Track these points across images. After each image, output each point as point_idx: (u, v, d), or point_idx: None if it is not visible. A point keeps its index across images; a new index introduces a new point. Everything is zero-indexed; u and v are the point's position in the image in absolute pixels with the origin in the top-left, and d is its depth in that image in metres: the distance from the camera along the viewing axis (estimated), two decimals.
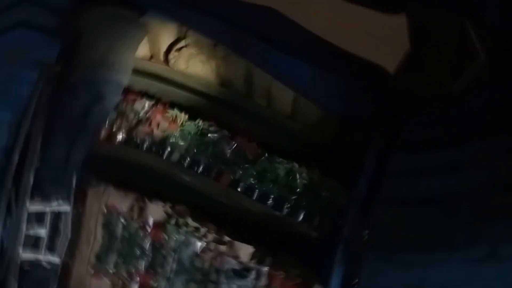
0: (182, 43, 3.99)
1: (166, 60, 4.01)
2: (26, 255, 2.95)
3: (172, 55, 3.97)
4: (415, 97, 3.37)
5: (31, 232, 3.11)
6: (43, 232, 3.19)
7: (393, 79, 3.24)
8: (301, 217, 3.66)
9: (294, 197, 3.66)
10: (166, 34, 3.97)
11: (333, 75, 3.37)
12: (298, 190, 3.65)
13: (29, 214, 2.98)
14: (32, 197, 3.00)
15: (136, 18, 3.52)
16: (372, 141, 3.64)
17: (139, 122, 3.76)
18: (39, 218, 3.20)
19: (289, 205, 3.67)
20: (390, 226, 3.31)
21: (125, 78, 3.43)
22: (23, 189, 2.98)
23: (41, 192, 3.08)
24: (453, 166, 3.16)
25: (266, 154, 3.76)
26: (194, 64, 3.96)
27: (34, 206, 3.02)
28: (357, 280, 3.36)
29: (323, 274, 3.48)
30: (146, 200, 3.65)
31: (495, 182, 2.94)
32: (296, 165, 3.73)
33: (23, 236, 2.87)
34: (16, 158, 3.09)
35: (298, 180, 3.67)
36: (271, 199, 3.69)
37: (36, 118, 3.15)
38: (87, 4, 3.39)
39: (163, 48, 4.01)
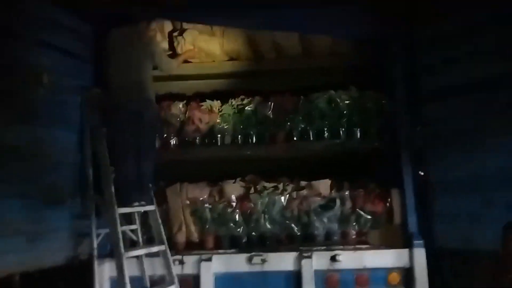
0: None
1: (172, 49, 4.11)
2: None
3: (176, 40, 4.08)
4: None
5: (125, 228, 3.50)
6: (134, 227, 3.60)
7: None
8: (358, 135, 3.90)
9: (344, 119, 3.87)
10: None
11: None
12: (345, 112, 3.85)
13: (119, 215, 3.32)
14: (120, 201, 3.33)
15: (148, 33, 3.73)
16: (393, 46, 3.80)
17: (183, 123, 3.96)
18: (128, 218, 3.60)
19: (343, 129, 3.89)
20: (442, 118, 3.51)
21: (152, 93, 3.62)
22: (108, 197, 3.31)
23: (126, 199, 3.40)
24: (480, 53, 3.28)
25: (302, 97, 3.95)
26: (200, 43, 4.10)
27: (122, 209, 3.35)
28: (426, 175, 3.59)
29: (396, 178, 3.72)
30: (220, 183, 3.93)
31: None
32: (332, 92, 3.91)
33: (120, 233, 3.20)
34: (89, 171, 3.52)
35: (341, 104, 3.86)
36: (325, 132, 3.92)
37: (97, 139, 3.51)
38: (106, 28, 3.61)
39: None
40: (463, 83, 3.40)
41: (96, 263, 3.40)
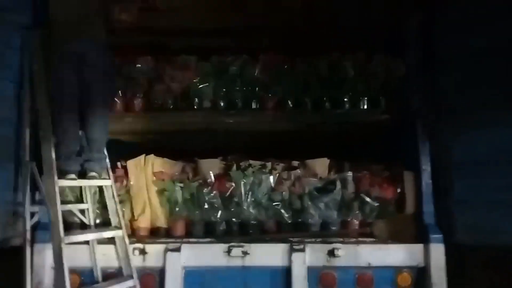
0: None
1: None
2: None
3: None
4: None
5: (72, 207, 2.99)
6: (84, 206, 3.06)
7: None
8: (365, 104, 3.35)
9: (349, 86, 3.32)
10: None
11: None
12: (351, 76, 3.31)
13: (63, 189, 2.83)
14: (61, 172, 2.80)
15: None
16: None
17: (151, 81, 3.36)
18: (78, 194, 3.09)
19: (346, 98, 3.33)
20: (461, 87, 3.04)
21: (101, 33, 3.05)
22: (47, 163, 2.75)
23: (69, 167, 2.87)
24: (500, 14, 2.85)
25: (297, 58, 3.37)
26: None
27: (65, 181, 2.81)
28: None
29: (408, 158, 3.23)
30: (196, 159, 3.34)
31: None
32: (336, 54, 3.36)
33: (59, 211, 2.62)
34: (25, 131, 2.94)
35: (347, 68, 3.32)
36: (326, 100, 3.34)
37: (39, 91, 2.94)
38: None
39: None
40: (486, 46, 2.92)
41: (28, 248, 2.74)
